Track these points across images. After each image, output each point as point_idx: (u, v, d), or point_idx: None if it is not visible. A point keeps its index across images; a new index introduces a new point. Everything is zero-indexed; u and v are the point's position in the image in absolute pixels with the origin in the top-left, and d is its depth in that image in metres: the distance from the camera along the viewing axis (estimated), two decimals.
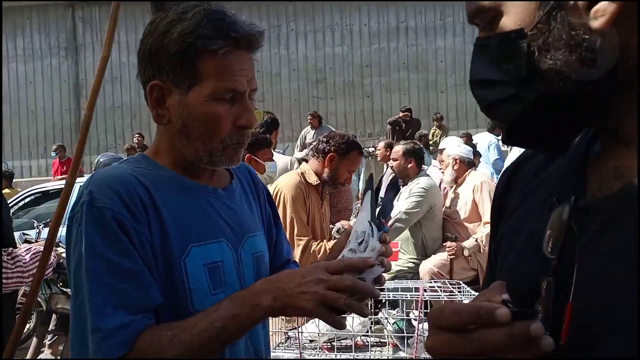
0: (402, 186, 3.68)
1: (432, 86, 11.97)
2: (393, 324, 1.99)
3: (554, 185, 0.60)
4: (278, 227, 1.19)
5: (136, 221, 0.88)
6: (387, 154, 5.53)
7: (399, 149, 3.80)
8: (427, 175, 3.83)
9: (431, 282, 2.33)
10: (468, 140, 8.71)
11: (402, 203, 3.54)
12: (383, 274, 0.92)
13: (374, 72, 12.12)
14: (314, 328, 1.93)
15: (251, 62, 0.97)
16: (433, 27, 11.95)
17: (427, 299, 1.99)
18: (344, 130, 9.51)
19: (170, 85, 0.94)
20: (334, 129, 9.28)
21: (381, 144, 6.04)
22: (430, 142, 8.59)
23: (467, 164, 3.88)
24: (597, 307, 0.50)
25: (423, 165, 3.98)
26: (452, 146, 3.99)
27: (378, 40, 12.14)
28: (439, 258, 3.56)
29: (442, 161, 4.20)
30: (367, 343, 1.97)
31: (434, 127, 9.63)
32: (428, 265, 3.52)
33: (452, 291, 2.14)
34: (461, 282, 2.30)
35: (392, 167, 3.96)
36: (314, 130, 8.89)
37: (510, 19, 0.54)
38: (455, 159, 3.81)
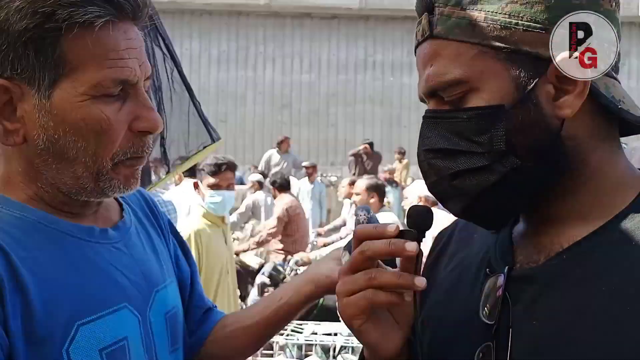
0: None
1: (395, 121, 12.16)
2: None
3: (482, 258, 0.64)
4: (190, 262, 0.92)
5: None
6: (351, 191, 5.52)
7: (362, 184, 3.84)
8: (389, 211, 3.92)
9: None
10: None
11: None
12: None
13: (340, 102, 12.21)
14: None
15: (140, 38, 0.68)
16: (400, 64, 12.21)
17: None
18: (306, 157, 9.46)
19: (21, 85, 0.63)
20: (298, 157, 9.24)
21: (346, 181, 6.06)
22: (395, 177, 8.65)
23: (432, 203, 3.92)
24: None
25: (385, 200, 4.08)
26: (419, 187, 4.14)
27: (345, 71, 12.28)
28: None
29: (407, 198, 4.34)
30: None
31: (396, 161, 9.72)
32: None
33: None
34: None
35: (354, 202, 3.98)
36: (279, 155, 8.79)
37: (486, 95, 0.56)
38: (420, 197, 3.91)
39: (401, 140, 11.87)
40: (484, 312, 0.58)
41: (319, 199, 7.64)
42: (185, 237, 2.66)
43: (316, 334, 2.33)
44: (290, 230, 5.05)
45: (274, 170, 8.21)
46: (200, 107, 2.95)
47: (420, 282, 0.56)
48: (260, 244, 4.98)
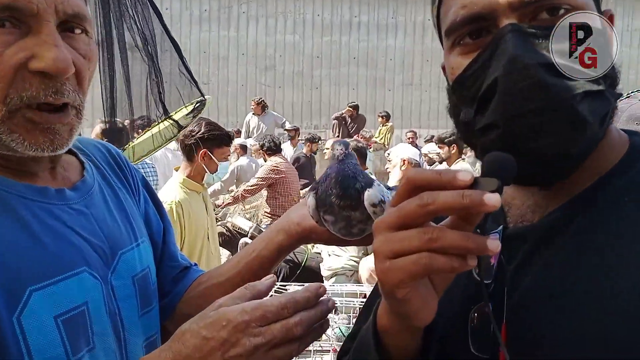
0: None
1: (380, 83, 12.07)
2: (335, 329, 1.95)
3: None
4: (164, 219, 0.87)
5: None
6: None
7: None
8: (370, 174, 3.84)
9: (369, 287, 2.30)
10: (414, 136, 8.86)
11: None
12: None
13: (324, 64, 12.05)
14: None
15: None
16: (385, 25, 12.02)
17: None
18: (290, 120, 9.40)
19: None
20: (279, 116, 9.16)
21: (329, 143, 5.99)
22: (377, 139, 8.66)
23: (414, 166, 3.94)
24: (529, 324, 0.53)
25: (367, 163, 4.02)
26: (403, 149, 4.09)
27: (330, 32, 12.06)
28: None
29: (390, 161, 4.30)
30: (309, 349, 1.92)
31: (380, 125, 9.72)
32: (368, 264, 3.52)
33: None
34: None
35: None
36: (257, 117, 8.70)
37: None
38: (404, 160, 3.88)
39: (385, 103, 11.83)
40: (475, 270, 0.52)
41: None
42: (167, 210, 2.70)
43: None
44: (278, 193, 5.00)
45: (255, 135, 8.15)
46: (189, 67, 2.90)
47: (494, 245, 0.44)
48: (235, 199, 4.96)
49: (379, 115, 9.95)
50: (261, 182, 4.90)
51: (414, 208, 0.45)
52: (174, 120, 2.65)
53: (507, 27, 0.51)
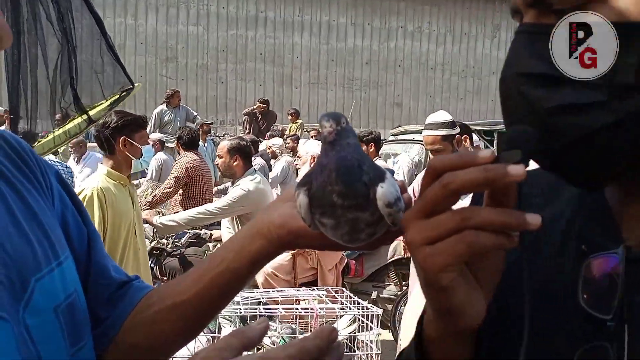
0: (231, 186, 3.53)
1: (287, 80, 12.10)
2: (280, 342, 1.89)
3: (567, 226, 0.52)
4: (87, 224, 0.66)
5: None
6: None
7: (223, 145, 3.52)
8: (256, 174, 3.50)
9: (308, 291, 2.25)
10: (318, 135, 9.03)
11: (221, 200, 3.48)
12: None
13: (230, 58, 11.79)
14: (186, 351, 1.59)
15: None
16: (292, 22, 12.06)
17: (322, 313, 1.93)
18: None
19: None
20: (191, 110, 8.78)
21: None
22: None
23: None
24: None
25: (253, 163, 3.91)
26: (312, 145, 4.12)
27: (236, 26, 11.82)
28: (278, 258, 3.53)
29: (299, 157, 4.33)
30: None
31: (289, 122, 9.74)
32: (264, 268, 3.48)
33: (336, 300, 2.11)
34: (345, 289, 2.30)
35: (218, 165, 3.70)
36: (170, 110, 8.28)
37: (617, 6, 0.43)
38: (314, 157, 3.92)
39: (293, 100, 11.88)
40: (583, 298, 0.46)
41: (211, 159, 7.39)
42: (87, 195, 2.43)
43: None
44: (192, 192, 4.77)
45: (168, 128, 7.75)
46: (114, 47, 2.67)
47: (535, 219, 0.41)
48: (153, 204, 4.64)
49: (288, 113, 9.97)
50: (177, 182, 4.63)
51: (436, 191, 0.43)
52: (85, 112, 2.44)
53: (518, 28, 0.48)
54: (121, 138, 2.57)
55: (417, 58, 12.85)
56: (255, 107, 9.32)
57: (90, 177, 2.72)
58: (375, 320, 1.93)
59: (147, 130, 5.01)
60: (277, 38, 12.03)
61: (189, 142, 4.79)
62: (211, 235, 3.87)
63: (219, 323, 2.02)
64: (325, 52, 12.18)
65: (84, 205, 2.36)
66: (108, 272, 0.66)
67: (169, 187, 4.61)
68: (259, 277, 3.21)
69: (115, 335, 0.65)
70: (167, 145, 6.26)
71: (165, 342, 0.66)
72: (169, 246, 3.75)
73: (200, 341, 1.77)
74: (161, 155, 5.66)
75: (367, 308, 2.01)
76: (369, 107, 12.47)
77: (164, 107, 8.43)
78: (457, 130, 3.03)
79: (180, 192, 4.69)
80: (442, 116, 3.03)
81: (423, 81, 12.90)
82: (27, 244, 0.54)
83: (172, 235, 3.84)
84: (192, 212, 3.46)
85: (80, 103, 2.39)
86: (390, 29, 12.63)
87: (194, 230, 4.09)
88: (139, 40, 11.38)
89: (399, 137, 6.10)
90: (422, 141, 4.43)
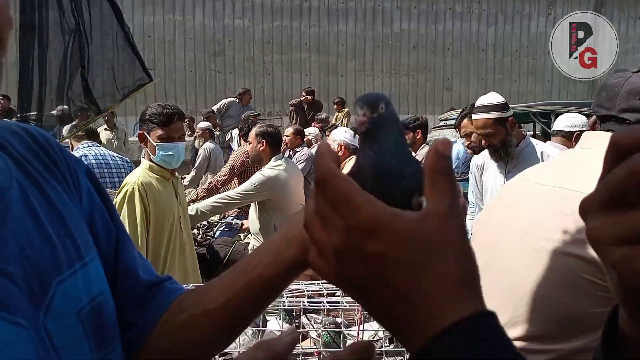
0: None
1: (332, 69, 12.02)
2: (324, 335, 1.85)
3: None
4: (116, 224, 0.64)
5: None
6: (298, 141, 5.35)
7: (252, 130, 3.54)
8: (281, 160, 3.43)
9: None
10: None
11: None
12: None
13: (276, 49, 11.83)
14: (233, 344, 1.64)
15: None
16: (336, 10, 11.94)
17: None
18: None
19: None
20: (253, 109, 8.95)
21: (290, 131, 5.81)
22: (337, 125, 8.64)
23: (351, 151, 3.89)
24: None
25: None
26: (339, 132, 4.04)
27: (280, 17, 11.84)
28: None
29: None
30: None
31: (335, 111, 9.69)
32: None
33: None
34: None
35: (246, 152, 3.65)
36: (239, 107, 8.52)
37: None
38: (340, 145, 3.83)
39: (339, 89, 11.80)
40: None
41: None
42: (128, 190, 2.39)
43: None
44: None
45: (228, 121, 7.93)
46: (133, 40, 2.55)
47: None
48: (209, 191, 4.73)
49: (333, 102, 9.91)
50: (231, 171, 4.70)
51: (625, 177, 0.35)
52: (94, 104, 2.35)
53: None
54: (140, 132, 2.53)
55: (467, 40, 12.42)
56: (301, 97, 9.32)
57: (134, 171, 2.73)
58: None
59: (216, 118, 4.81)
60: (322, 27, 11.95)
61: (247, 134, 4.87)
62: (242, 225, 3.90)
63: (264, 315, 2.02)
64: (370, 39, 11.99)
65: (125, 200, 2.33)
66: (136, 273, 0.63)
67: (224, 175, 4.69)
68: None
69: (146, 339, 0.62)
70: (215, 134, 6.40)
71: (197, 348, 0.63)
72: (200, 236, 3.78)
73: (247, 334, 1.77)
74: (209, 145, 5.77)
75: None
76: (417, 93, 12.20)
77: (235, 101, 8.65)
78: (510, 112, 2.86)
79: (236, 181, 4.77)
80: (494, 98, 2.82)
81: (474, 63, 12.46)
82: (49, 245, 0.52)
83: (203, 225, 3.88)
84: (214, 199, 3.45)
85: (91, 94, 2.33)
86: (438, 11, 12.25)
87: (225, 220, 4.14)
88: (187, 35, 11.62)
89: (449, 122, 5.90)
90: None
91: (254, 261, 0.60)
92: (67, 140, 3.82)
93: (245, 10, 11.75)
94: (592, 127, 1.10)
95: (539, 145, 2.88)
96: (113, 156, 3.92)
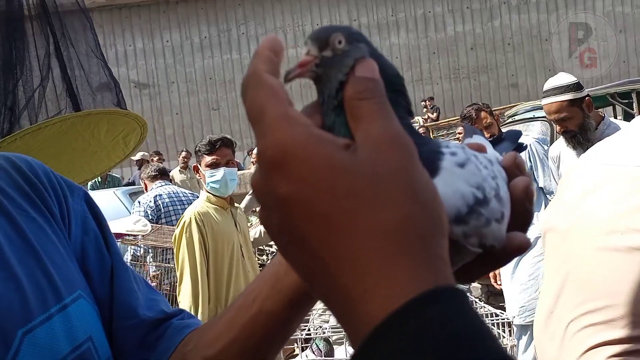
0: None
1: None
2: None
3: None
4: (113, 255, 0.57)
5: None
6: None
7: None
8: None
9: None
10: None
11: None
12: None
13: None
14: None
15: None
16: (386, 23, 11.90)
17: None
18: None
19: None
20: None
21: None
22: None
23: None
24: None
25: None
26: None
27: None
28: None
29: None
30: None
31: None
32: None
33: None
34: None
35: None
36: None
37: None
38: None
39: None
40: None
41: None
42: (186, 221, 2.44)
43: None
44: None
45: None
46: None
47: None
48: None
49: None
50: None
51: None
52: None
53: None
54: (194, 165, 2.68)
55: (528, 32, 11.85)
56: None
57: (193, 203, 2.81)
58: (506, 328, 1.68)
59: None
60: (374, 42, 11.83)
61: None
62: None
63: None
64: (425, 46, 11.79)
65: (184, 230, 2.35)
66: (134, 311, 0.55)
67: None
68: None
69: None
70: None
71: None
72: (268, 262, 3.78)
73: None
74: None
75: (496, 315, 1.75)
76: (480, 94, 11.75)
77: None
78: (585, 92, 2.53)
79: None
80: (565, 78, 2.54)
81: (538, 55, 11.84)
82: (15, 289, 0.45)
83: (272, 252, 3.87)
84: None
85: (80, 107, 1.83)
86: (492, 7, 11.84)
87: None
88: (245, 72, 12.06)
89: (517, 118, 5.57)
90: (543, 117, 3.86)
91: (252, 294, 0.49)
92: (140, 181, 3.95)
93: (297, 39, 12.03)
94: None
95: (622, 126, 2.58)
96: (185, 193, 4.09)
